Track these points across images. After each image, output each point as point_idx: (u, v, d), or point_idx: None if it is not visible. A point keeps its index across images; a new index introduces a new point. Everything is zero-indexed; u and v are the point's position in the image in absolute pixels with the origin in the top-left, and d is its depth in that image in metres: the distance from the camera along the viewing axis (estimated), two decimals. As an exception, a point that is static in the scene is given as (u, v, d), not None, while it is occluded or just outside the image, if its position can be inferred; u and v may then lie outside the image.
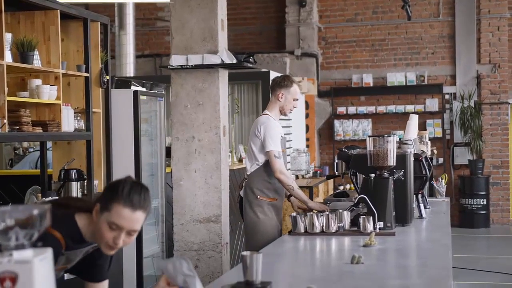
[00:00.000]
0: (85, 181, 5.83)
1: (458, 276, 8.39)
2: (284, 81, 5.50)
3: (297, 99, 5.51)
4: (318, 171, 11.09)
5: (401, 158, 4.73)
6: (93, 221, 2.77)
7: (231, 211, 6.22)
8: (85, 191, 5.85)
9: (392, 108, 13.19)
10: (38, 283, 1.80)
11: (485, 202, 12.65)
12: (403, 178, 4.73)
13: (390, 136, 4.61)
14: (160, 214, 7.08)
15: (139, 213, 2.70)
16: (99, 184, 6.10)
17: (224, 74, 5.92)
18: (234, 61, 5.75)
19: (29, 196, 5.92)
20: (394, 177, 4.65)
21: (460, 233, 12.05)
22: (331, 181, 11.24)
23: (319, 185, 9.94)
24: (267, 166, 5.33)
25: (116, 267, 5.83)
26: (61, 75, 5.47)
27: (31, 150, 8.70)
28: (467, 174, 12.94)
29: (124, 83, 6.92)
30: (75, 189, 5.66)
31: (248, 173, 5.51)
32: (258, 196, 5.40)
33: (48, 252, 1.84)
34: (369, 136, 4.63)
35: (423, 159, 5.25)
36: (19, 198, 6.21)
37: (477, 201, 12.62)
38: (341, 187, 10.49)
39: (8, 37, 4.99)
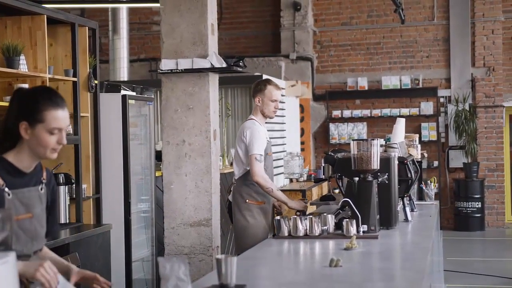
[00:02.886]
0: (73, 185, 5.85)
1: (451, 279, 8.40)
2: (258, 86, 5.56)
3: (275, 100, 5.52)
4: (313, 175, 11.07)
5: (385, 162, 4.74)
6: (22, 148, 2.84)
7: (222, 215, 6.22)
8: (74, 195, 5.87)
9: (387, 111, 13.20)
10: (-1, 286, 1.82)
11: (480, 205, 12.65)
12: (387, 182, 4.74)
13: (374, 139, 4.61)
14: (150, 218, 7.08)
15: (66, 110, 2.89)
16: (87, 188, 6.11)
17: (214, 78, 5.92)
18: (224, 65, 5.75)
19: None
20: (378, 181, 4.66)
21: (455, 236, 12.06)
22: (325, 185, 11.23)
23: (313, 189, 9.93)
24: (255, 171, 5.36)
25: (105, 269, 5.82)
26: (47, 80, 5.48)
27: None
28: (462, 177, 12.95)
29: (114, 87, 6.92)
30: (63, 194, 5.66)
31: (236, 178, 5.54)
32: (247, 200, 5.45)
33: (11, 256, 1.86)
34: (353, 140, 4.64)
35: (409, 163, 5.25)
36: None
37: (472, 204, 12.62)
38: (337, 191, 10.47)
39: (-7, 42, 5.02)
